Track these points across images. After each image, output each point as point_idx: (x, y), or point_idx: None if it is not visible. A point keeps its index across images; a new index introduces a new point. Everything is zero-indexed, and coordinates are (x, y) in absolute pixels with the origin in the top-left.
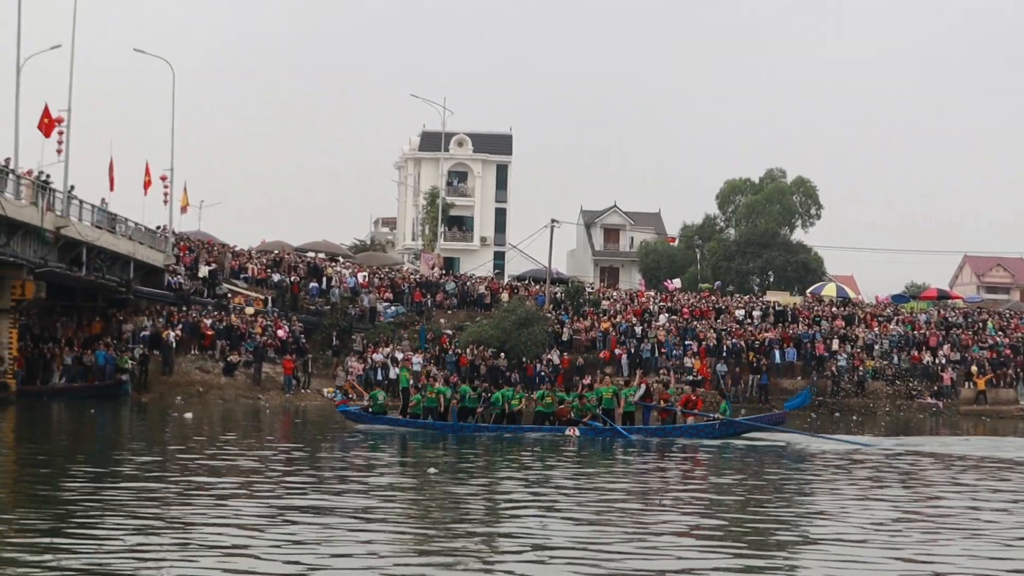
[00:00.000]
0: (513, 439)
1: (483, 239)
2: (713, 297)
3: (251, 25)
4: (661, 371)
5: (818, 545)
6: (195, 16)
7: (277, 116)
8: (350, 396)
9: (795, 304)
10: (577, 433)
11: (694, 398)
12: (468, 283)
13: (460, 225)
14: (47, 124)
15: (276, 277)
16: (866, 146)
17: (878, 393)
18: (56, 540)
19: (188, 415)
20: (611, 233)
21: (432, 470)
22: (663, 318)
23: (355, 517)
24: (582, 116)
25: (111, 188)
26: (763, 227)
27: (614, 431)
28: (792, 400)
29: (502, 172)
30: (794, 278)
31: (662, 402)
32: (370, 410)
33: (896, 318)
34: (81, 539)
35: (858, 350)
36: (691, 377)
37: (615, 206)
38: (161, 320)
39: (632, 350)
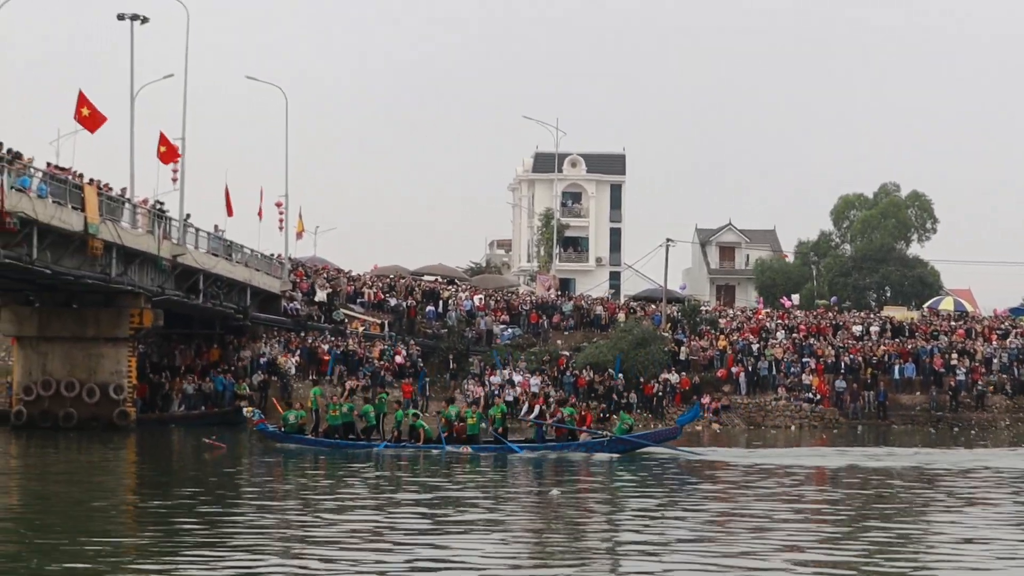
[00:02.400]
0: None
1: (598, 259)
2: (830, 313)
3: (363, 51)
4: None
5: None
6: (307, 43)
7: (390, 140)
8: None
9: (912, 319)
10: (470, 450)
11: (584, 414)
12: (584, 304)
13: (575, 246)
14: (166, 152)
15: (392, 301)
16: (982, 158)
17: (998, 407)
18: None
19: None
20: (726, 251)
21: (555, 491)
22: (780, 335)
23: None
24: (695, 133)
25: (229, 214)
26: (879, 242)
27: (508, 448)
28: (683, 415)
29: (616, 192)
30: (911, 293)
31: (550, 419)
32: (283, 429)
33: (1015, 331)
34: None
35: (977, 364)
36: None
37: (730, 224)
38: (279, 346)
39: (750, 368)
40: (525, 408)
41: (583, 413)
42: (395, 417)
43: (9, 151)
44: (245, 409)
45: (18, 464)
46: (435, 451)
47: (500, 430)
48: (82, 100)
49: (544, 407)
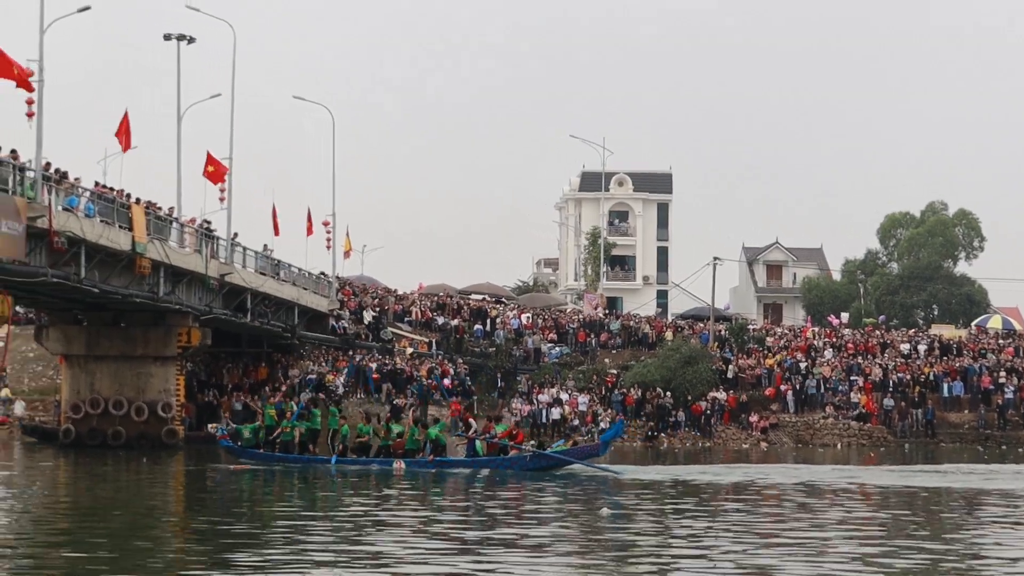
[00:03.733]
0: (364, 471)
1: (645, 278)
2: (878, 332)
3: (409, 70)
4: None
5: None
6: (354, 62)
7: (437, 159)
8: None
9: (960, 337)
10: (404, 466)
11: (515, 431)
12: (632, 322)
13: (622, 265)
14: (213, 172)
15: (440, 320)
16: None
17: None
18: None
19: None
20: (773, 269)
21: (605, 511)
22: (828, 354)
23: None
24: (742, 152)
25: (276, 234)
26: (926, 260)
27: (438, 463)
28: (607, 432)
29: (663, 211)
30: (959, 311)
31: (484, 435)
32: (239, 444)
33: None
34: None
35: None
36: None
37: (777, 242)
38: (327, 364)
39: (797, 386)
40: (461, 425)
41: (514, 431)
42: (341, 432)
43: (57, 171)
44: (211, 426)
45: (67, 481)
46: (377, 466)
47: (438, 448)
48: (126, 120)
49: (475, 422)
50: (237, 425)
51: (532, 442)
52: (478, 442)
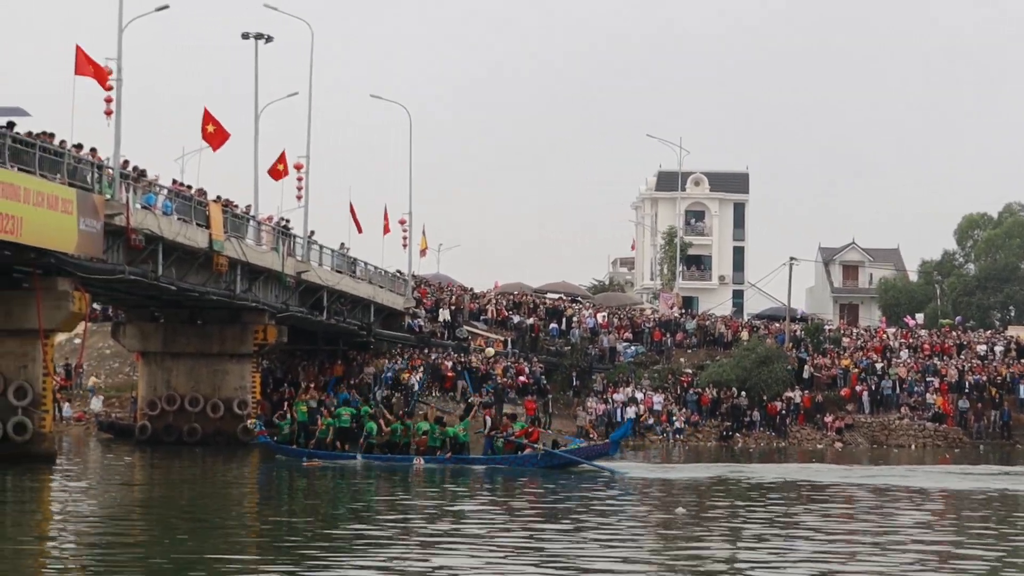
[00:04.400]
0: (389, 468)
1: (721, 278)
2: (954, 333)
3: (486, 70)
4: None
5: None
6: (431, 62)
7: (514, 158)
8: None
9: None
10: (423, 463)
11: (531, 430)
12: (708, 322)
13: (698, 264)
14: (279, 170)
15: (516, 319)
16: None
17: None
18: None
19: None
20: (850, 270)
21: (680, 510)
22: (904, 355)
23: None
24: (818, 152)
25: (359, 231)
26: (1003, 261)
27: (456, 460)
28: (616, 432)
29: (739, 210)
30: None
31: (503, 433)
32: (275, 440)
33: None
34: None
35: None
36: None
37: (853, 243)
38: (402, 362)
39: (873, 387)
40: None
41: (529, 429)
42: (367, 428)
43: (135, 169)
44: (249, 422)
45: (143, 478)
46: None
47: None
48: (207, 117)
49: (495, 419)
50: (278, 422)
51: (542, 443)
52: (497, 440)
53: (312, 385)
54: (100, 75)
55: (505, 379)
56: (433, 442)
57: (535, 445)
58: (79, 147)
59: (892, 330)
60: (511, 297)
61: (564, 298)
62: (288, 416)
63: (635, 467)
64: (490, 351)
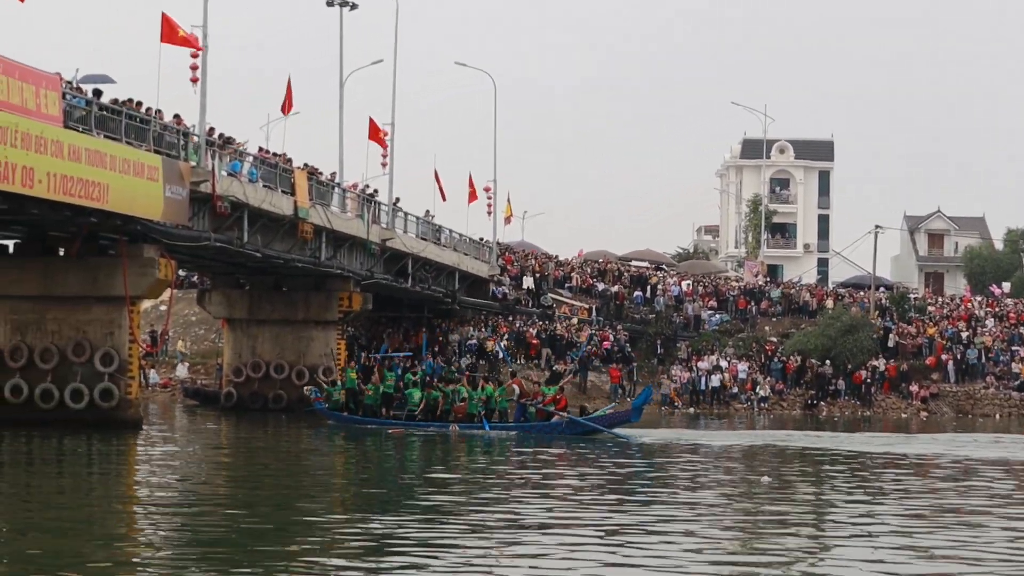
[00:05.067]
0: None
1: (806, 246)
2: None
3: (571, 36)
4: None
5: None
6: (516, 28)
7: (598, 125)
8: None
9: None
10: (458, 430)
11: (559, 397)
12: (792, 290)
13: (783, 232)
14: (378, 137)
15: (600, 286)
16: None
17: None
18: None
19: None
20: (935, 238)
21: (765, 479)
22: (990, 323)
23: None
24: (903, 119)
25: (443, 199)
26: None
27: (490, 427)
28: (638, 398)
29: (824, 178)
30: None
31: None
32: (327, 406)
33: None
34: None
35: None
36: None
37: (939, 211)
38: (486, 330)
39: (958, 356)
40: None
41: (558, 396)
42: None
43: (221, 136)
44: (305, 388)
45: (229, 444)
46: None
47: (484, 412)
48: (290, 87)
49: (523, 388)
50: (328, 388)
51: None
52: (529, 407)
53: (364, 354)
54: (186, 42)
55: (589, 347)
56: (472, 409)
57: (562, 413)
58: (159, 112)
59: (978, 299)
60: (596, 265)
61: (649, 266)
62: (339, 383)
63: (653, 433)
64: (575, 320)
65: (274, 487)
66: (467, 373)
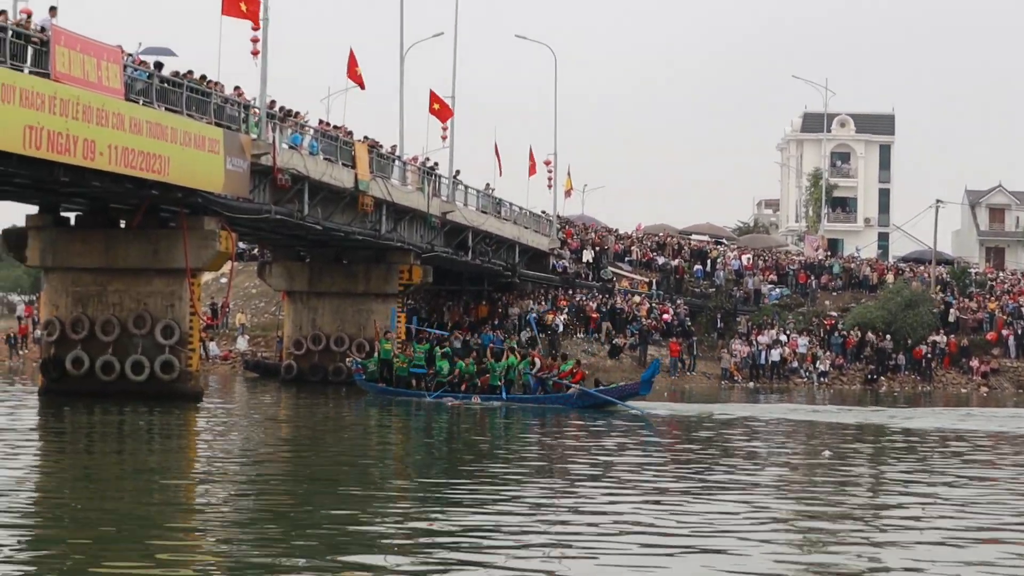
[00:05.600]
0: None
1: (867, 220)
2: None
3: (631, 10)
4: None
5: None
6: (577, 1)
7: (658, 99)
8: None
9: None
10: (480, 401)
11: (575, 370)
12: (853, 264)
13: (843, 206)
14: (440, 110)
15: (660, 260)
16: None
17: None
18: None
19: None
20: (996, 213)
21: (826, 453)
22: None
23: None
24: (965, 93)
25: (500, 173)
26: None
27: (509, 398)
28: (646, 372)
29: (885, 152)
30: None
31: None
32: (364, 377)
33: None
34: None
35: None
36: None
37: (1000, 186)
38: (547, 303)
39: (1020, 331)
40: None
41: (575, 370)
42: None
43: (281, 108)
44: (347, 359)
45: (288, 416)
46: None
47: (503, 382)
48: (352, 59)
49: (543, 360)
50: (361, 360)
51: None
52: (548, 381)
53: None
54: (247, 15)
55: (649, 320)
56: (494, 380)
57: (575, 385)
58: (220, 85)
59: None
60: (656, 238)
61: (709, 240)
62: (375, 354)
63: (659, 407)
64: (637, 299)
65: (327, 458)
66: (491, 345)
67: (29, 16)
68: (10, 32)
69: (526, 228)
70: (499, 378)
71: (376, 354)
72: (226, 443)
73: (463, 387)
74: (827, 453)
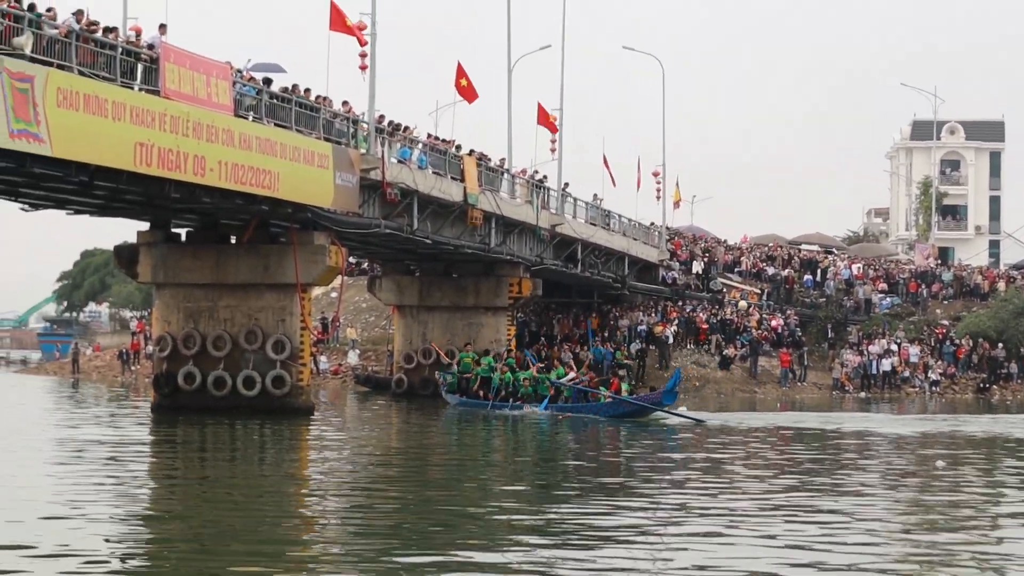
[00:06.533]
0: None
1: (977, 228)
2: None
3: (736, 19)
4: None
5: None
6: (684, 12)
7: (766, 110)
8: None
9: None
10: (531, 410)
11: (610, 379)
12: (964, 273)
13: (954, 214)
14: (546, 122)
15: (770, 270)
16: None
17: None
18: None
19: (682, 409)
20: None
21: (940, 463)
22: None
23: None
24: None
25: (613, 184)
26: None
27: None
28: (670, 381)
29: (995, 159)
30: None
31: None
32: (445, 389)
33: None
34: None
35: None
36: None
37: None
38: (656, 315)
39: None
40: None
41: (612, 379)
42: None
43: (390, 123)
44: (437, 373)
45: (399, 430)
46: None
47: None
48: (460, 72)
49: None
50: (442, 372)
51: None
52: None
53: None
54: (354, 31)
55: (760, 331)
56: (543, 390)
57: (611, 394)
58: (328, 100)
59: None
60: (765, 249)
61: (819, 249)
62: (455, 367)
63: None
64: (743, 303)
65: (443, 470)
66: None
67: (139, 34)
68: (120, 50)
69: (635, 240)
70: (545, 389)
71: (456, 366)
72: (339, 455)
73: (518, 397)
74: (940, 463)
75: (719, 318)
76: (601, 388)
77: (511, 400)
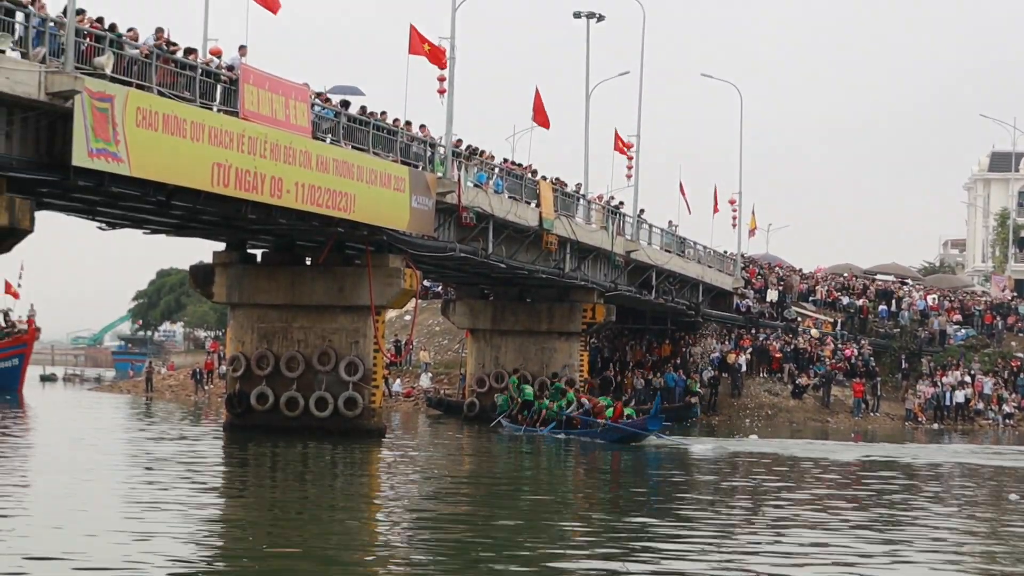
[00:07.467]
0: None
1: None
2: None
3: (817, 48)
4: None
5: None
6: (762, 39)
7: (843, 139)
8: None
9: None
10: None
11: (616, 405)
12: None
13: None
14: (623, 149)
15: (845, 300)
16: None
17: None
18: None
19: (753, 436)
20: None
21: (1014, 496)
22: None
23: None
24: None
25: (688, 211)
26: None
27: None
28: (651, 409)
29: None
30: None
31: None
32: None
33: None
34: None
35: None
36: None
37: None
38: (730, 343)
39: None
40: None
41: (616, 405)
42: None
43: (467, 147)
44: (497, 396)
45: (470, 454)
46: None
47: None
48: (538, 99)
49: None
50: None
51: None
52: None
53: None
54: (434, 55)
55: (833, 361)
56: (550, 415)
57: (599, 421)
58: (406, 123)
59: None
60: (840, 278)
61: (894, 280)
62: (507, 392)
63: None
64: (816, 332)
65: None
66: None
67: (218, 55)
68: (200, 71)
69: (710, 267)
70: (559, 414)
71: (508, 391)
72: (410, 478)
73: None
74: (1014, 497)
75: (792, 347)
76: (607, 411)
77: (548, 425)
